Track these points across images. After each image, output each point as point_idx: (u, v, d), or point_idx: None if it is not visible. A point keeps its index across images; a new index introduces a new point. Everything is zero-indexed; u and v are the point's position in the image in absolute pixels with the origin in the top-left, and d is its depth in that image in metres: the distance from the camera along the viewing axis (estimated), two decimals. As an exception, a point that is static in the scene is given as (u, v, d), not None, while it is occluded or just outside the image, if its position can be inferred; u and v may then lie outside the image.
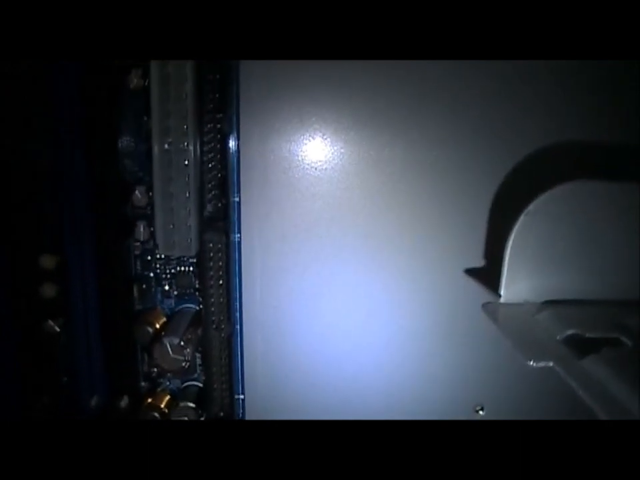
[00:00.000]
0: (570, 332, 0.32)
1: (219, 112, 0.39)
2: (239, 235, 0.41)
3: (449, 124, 0.40)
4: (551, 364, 0.29)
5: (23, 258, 0.40)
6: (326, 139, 0.41)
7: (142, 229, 0.41)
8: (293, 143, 0.41)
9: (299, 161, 0.41)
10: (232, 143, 0.40)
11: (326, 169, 0.41)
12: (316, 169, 0.41)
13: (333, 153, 0.41)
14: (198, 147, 0.39)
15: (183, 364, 0.41)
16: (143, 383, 0.45)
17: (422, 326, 0.43)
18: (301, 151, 0.41)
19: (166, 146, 0.38)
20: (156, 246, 0.41)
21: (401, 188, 0.41)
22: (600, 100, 0.39)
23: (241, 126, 0.40)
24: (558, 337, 0.31)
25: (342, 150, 0.41)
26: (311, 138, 0.41)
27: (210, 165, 0.40)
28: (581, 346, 0.31)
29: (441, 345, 0.44)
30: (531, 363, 0.29)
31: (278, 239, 0.42)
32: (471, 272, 0.39)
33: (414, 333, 0.44)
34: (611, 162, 0.38)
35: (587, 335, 0.31)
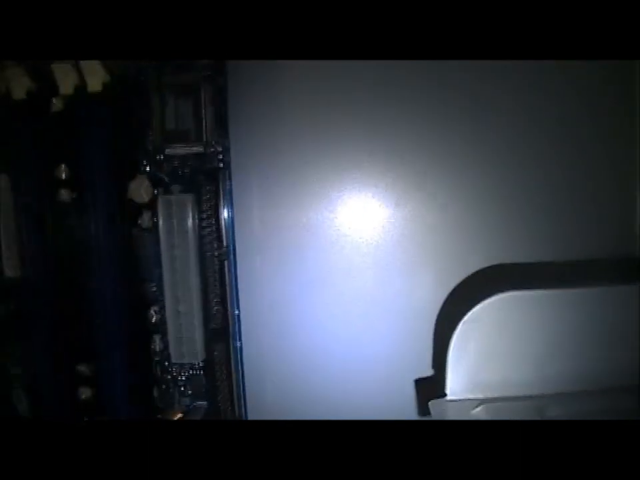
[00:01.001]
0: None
1: (217, 240, 0.48)
2: (240, 342, 0.49)
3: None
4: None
5: (64, 366, 0.49)
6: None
7: (157, 341, 0.49)
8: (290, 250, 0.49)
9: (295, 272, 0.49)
10: (230, 266, 0.48)
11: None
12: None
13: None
14: (200, 271, 0.47)
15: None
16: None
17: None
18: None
19: (174, 273, 0.47)
20: (169, 355, 0.49)
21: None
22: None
23: (237, 249, 0.48)
24: (482, 430, 0.37)
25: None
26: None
27: (212, 287, 0.48)
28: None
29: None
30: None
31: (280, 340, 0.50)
32: (419, 380, 0.46)
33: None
34: (535, 275, 0.45)
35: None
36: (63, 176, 0.46)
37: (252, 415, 0.49)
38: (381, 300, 0.48)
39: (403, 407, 0.46)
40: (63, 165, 0.46)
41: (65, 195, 0.46)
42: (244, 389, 0.50)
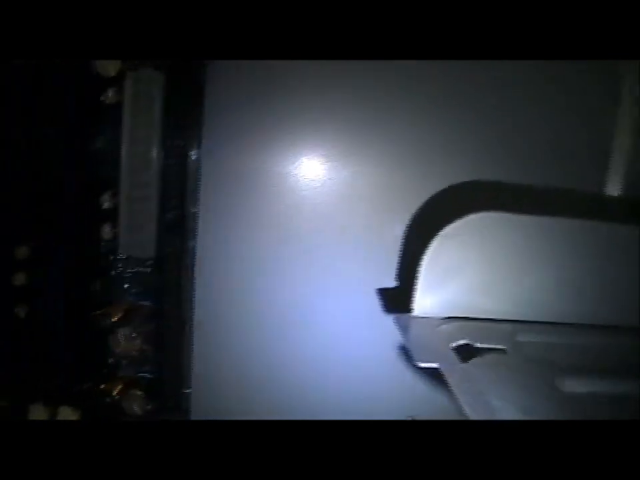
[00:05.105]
0: (463, 341, 0.36)
1: (185, 128, 0.44)
2: (194, 242, 0.46)
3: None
4: (435, 365, 0.33)
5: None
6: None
7: (107, 229, 0.46)
8: (258, 160, 0.46)
9: (262, 176, 0.46)
10: (194, 156, 0.45)
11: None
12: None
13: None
14: (162, 158, 0.44)
15: (134, 353, 0.45)
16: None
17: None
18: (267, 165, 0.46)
19: (133, 156, 0.43)
20: (118, 245, 0.45)
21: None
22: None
23: (205, 139, 0.45)
24: (451, 345, 0.36)
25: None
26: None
27: (173, 177, 0.45)
28: (469, 353, 0.35)
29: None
30: (418, 363, 0.33)
31: (240, 247, 0.47)
32: (382, 290, 0.44)
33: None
34: (520, 198, 0.43)
35: (477, 344, 0.36)
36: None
37: (198, 317, 0.47)
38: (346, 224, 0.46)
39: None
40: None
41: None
42: (193, 293, 0.47)
